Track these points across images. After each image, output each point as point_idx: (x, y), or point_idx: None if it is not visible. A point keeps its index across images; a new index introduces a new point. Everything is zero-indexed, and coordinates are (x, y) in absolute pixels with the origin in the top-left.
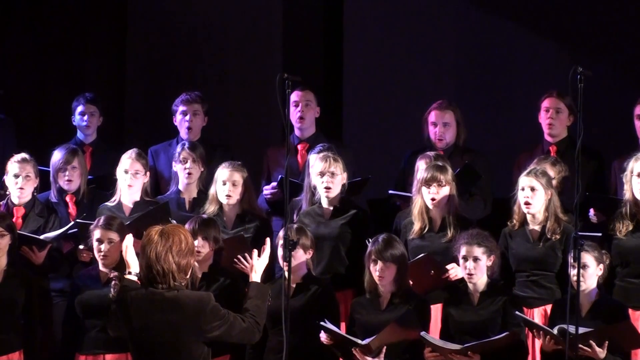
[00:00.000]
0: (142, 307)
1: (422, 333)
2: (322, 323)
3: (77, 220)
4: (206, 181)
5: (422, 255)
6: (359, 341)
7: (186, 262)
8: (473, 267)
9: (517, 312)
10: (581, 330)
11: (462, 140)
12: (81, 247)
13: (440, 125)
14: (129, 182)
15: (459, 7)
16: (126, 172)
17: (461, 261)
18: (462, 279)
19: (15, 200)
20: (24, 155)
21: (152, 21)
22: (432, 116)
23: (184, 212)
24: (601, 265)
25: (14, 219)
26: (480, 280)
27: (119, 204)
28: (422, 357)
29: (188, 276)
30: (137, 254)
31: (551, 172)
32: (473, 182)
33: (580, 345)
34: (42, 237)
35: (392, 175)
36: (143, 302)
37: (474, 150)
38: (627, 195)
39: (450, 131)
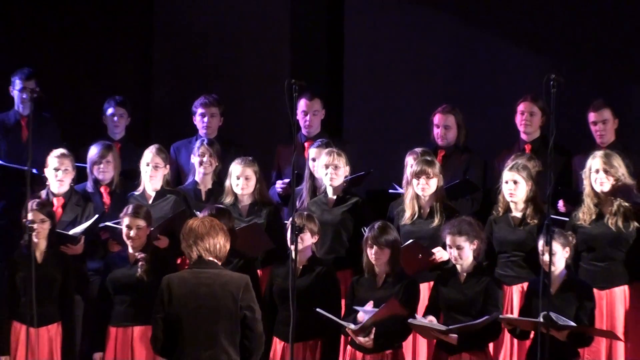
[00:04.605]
0: (190, 282)
1: (410, 320)
2: (317, 310)
3: (105, 223)
4: (221, 174)
5: (410, 241)
6: (351, 325)
7: (224, 247)
8: (457, 254)
9: (501, 317)
10: (562, 321)
11: (462, 140)
12: (112, 240)
13: (442, 127)
14: (151, 173)
15: (450, 21)
16: (148, 164)
17: (447, 248)
18: (449, 260)
19: (55, 191)
20: (62, 150)
21: (175, 32)
22: (436, 119)
23: (200, 201)
24: (567, 248)
25: (54, 208)
26: (466, 262)
27: (143, 193)
28: (404, 335)
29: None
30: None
31: (533, 167)
32: (470, 193)
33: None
34: (71, 232)
35: (387, 168)
36: (191, 279)
37: (472, 150)
38: (587, 189)
39: (451, 132)
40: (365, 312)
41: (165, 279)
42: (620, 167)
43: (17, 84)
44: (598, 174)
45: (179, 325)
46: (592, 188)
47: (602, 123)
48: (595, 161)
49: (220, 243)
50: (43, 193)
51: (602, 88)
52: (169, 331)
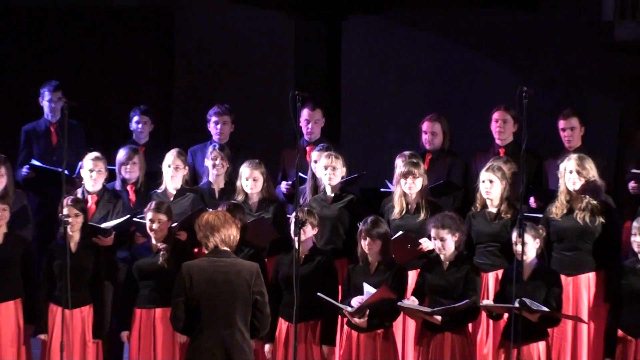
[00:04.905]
0: (208, 270)
1: (399, 303)
2: (318, 294)
3: (133, 217)
4: (232, 175)
5: (399, 233)
6: (348, 308)
7: (236, 238)
8: (441, 245)
9: (483, 304)
10: (534, 305)
11: (447, 145)
12: (138, 233)
13: (429, 134)
14: (172, 174)
15: (434, 42)
16: (169, 166)
17: (432, 239)
18: (433, 250)
19: (90, 189)
20: (96, 154)
21: (193, 50)
22: (424, 126)
23: (214, 199)
24: (537, 240)
25: (88, 205)
26: (449, 252)
27: (165, 191)
28: (394, 316)
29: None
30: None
31: (506, 168)
32: (451, 192)
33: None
34: (103, 225)
35: (379, 169)
36: (209, 266)
37: (455, 154)
38: (561, 187)
39: (438, 138)
40: (368, 293)
41: (185, 266)
42: (591, 170)
43: (46, 95)
44: (571, 174)
45: (200, 308)
46: (566, 186)
47: (570, 130)
48: (569, 163)
49: (233, 234)
50: (79, 191)
51: (567, 99)
52: (188, 312)
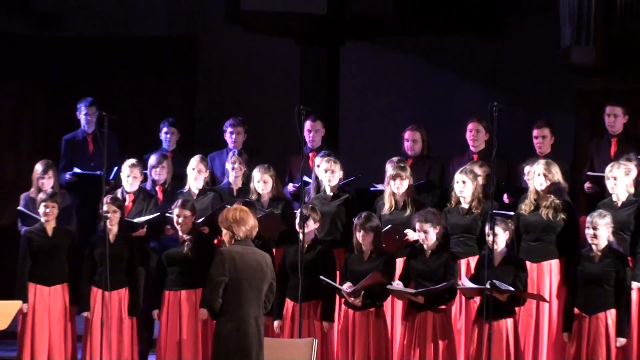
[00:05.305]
0: (245, 255)
1: (388, 286)
2: (321, 277)
3: (162, 215)
4: (248, 176)
5: (389, 226)
6: (345, 288)
7: (256, 230)
8: (424, 236)
9: (459, 287)
10: (502, 286)
11: (426, 151)
12: (167, 227)
13: (411, 141)
14: (195, 176)
15: (416, 64)
16: (193, 169)
17: (417, 231)
18: (417, 240)
19: (128, 189)
20: (133, 160)
21: (213, 71)
22: (406, 135)
23: (233, 197)
24: (507, 232)
25: (126, 203)
26: (431, 242)
27: (189, 191)
28: (384, 297)
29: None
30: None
31: (479, 171)
32: (431, 190)
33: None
34: (136, 220)
35: (371, 172)
36: (244, 252)
37: (434, 158)
38: (530, 187)
39: (418, 145)
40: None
41: (225, 251)
42: (556, 174)
43: (83, 109)
44: (539, 177)
45: (239, 288)
46: (534, 187)
47: (542, 138)
48: (538, 167)
49: (255, 227)
50: (118, 191)
51: (530, 112)
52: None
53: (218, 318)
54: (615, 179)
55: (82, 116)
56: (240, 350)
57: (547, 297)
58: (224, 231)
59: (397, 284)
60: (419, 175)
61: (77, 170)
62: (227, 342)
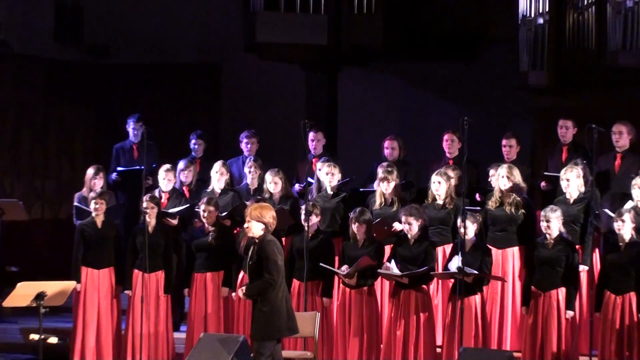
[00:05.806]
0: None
1: (378, 270)
2: (321, 264)
3: (191, 207)
4: (262, 178)
5: (379, 219)
6: (341, 271)
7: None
8: (408, 227)
9: (432, 273)
10: (468, 270)
11: (403, 157)
12: (195, 220)
13: (390, 149)
14: (217, 178)
15: (399, 83)
16: (216, 172)
17: (402, 223)
18: (402, 230)
19: (164, 189)
20: (168, 166)
21: (234, 93)
22: (386, 143)
23: (250, 195)
24: (475, 224)
25: (162, 200)
26: (414, 232)
27: (212, 190)
28: (375, 278)
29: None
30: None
31: (452, 174)
32: (409, 189)
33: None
34: (170, 210)
35: (364, 175)
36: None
37: (409, 163)
38: (496, 187)
39: (396, 152)
40: (392, 268)
41: (274, 239)
42: (517, 176)
43: (131, 123)
44: (503, 179)
45: (283, 267)
46: (499, 187)
47: (509, 147)
48: (502, 170)
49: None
50: (156, 191)
51: (496, 126)
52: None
53: (269, 293)
54: (568, 180)
55: (130, 129)
56: (289, 313)
57: (509, 277)
58: (259, 224)
59: (386, 267)
60: (399, 177)
61: (120, 168)
62: (280, 309)
